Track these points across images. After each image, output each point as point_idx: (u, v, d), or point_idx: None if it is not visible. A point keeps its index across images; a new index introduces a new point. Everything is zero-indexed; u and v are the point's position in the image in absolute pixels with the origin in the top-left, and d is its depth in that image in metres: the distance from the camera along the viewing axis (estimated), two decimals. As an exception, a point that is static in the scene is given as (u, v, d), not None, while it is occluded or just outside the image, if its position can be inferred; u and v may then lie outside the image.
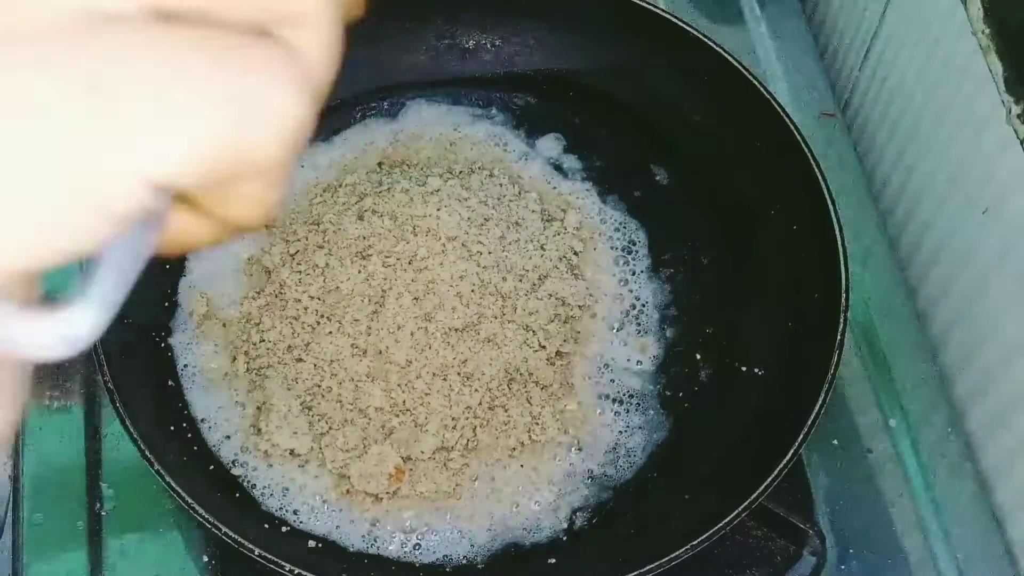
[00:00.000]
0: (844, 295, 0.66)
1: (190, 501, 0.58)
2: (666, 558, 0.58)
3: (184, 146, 0.20)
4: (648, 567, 0.58)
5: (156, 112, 0.20)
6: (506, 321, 0.69)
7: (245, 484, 0.65)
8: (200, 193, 0.23)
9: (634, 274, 0.74)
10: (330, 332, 0.67)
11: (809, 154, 0.71)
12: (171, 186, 0.21)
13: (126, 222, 0.21)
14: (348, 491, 0.64)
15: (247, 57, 0.21)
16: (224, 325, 0.70)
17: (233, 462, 0.65)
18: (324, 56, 0.23)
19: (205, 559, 0.66)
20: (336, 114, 0.80)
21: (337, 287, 0.68)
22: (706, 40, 0.76)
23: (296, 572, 0.57)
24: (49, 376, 0.72)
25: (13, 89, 0.19)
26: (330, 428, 0.66)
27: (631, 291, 0.74)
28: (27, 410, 0.25)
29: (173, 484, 0.59)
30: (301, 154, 0.23)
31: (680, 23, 0.77)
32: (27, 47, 0.19)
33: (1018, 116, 0.66)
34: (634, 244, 0.76)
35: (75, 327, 0.22)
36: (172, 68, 0.20)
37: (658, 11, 0.78)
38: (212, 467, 0.65)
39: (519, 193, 0.75)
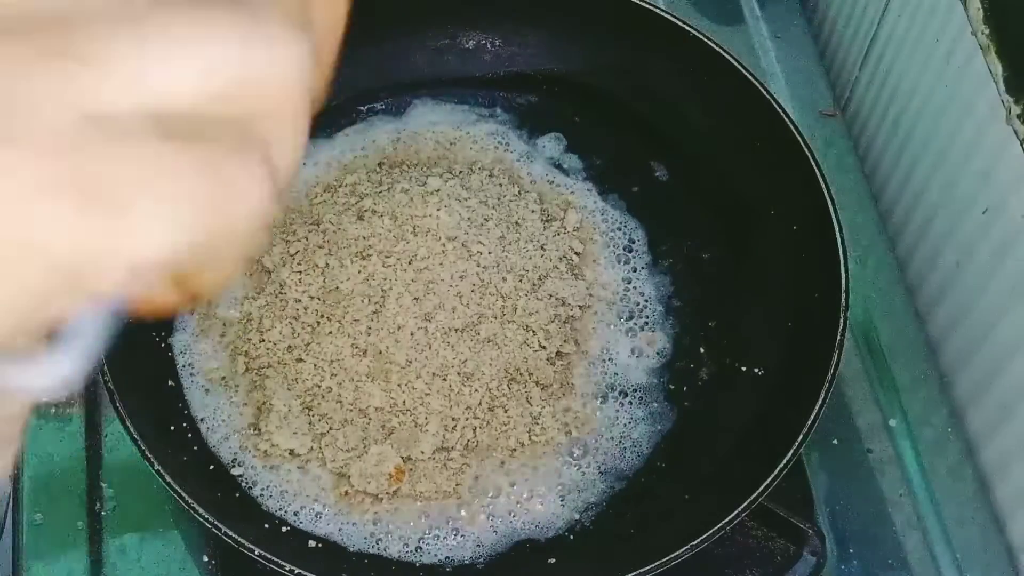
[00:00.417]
0: (844, 295, 0.66)
1: (190, 501, 0.58)
2: (666, 558, 0.58)
3: (164, 236, 0.22)
4: (648, 567, 0.58)
5: (138, 207, 0.22)
6: (506, 321, 0.69)
7: (245, 484, 0.65)
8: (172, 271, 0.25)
9: (635, 272, 0.74)
10: (330, 332, 0.67)
11: (809, 154, 0.71)
12: (148, 268, 0.23)
13: (105, 297, 0.23)
14: (348, 491, 0.64)
15: (225, 159, 0.23)
16: (224, 325, 0.70)
17: (233, 462, 0.65)
18: (294, 146, 0.25)
19: (205, 559, 0.66)
20: (337, 114, 0.80)
21: (337, 287, 0.68)
22: (706, 40, 0.76)
23: (296, 572, 0.57)
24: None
25: (23, 182, 0.21)
26: (330, 428, 0.66)
27: (631, 291, 0.74)
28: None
29: (173, 484, 0.59)
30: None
31: (680, 23, 0.77)
32: (25, 147, 0.21)
33: (1018, 116, 0.66)
34: (634, 243, 0.76)
35: (55, 374, 0.24)
36: (158, 169, 0.22)
37: (658, 11, 0.78)
38: (212, 467, 0.65)
39: (519, 193, 0.75)
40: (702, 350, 0.72)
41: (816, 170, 0.71)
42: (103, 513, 0.67)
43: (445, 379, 0.66)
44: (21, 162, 0.21)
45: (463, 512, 0.65)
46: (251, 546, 0.58)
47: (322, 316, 0.68)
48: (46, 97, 0.22)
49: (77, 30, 0.22)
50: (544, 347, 0.69)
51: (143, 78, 0.22)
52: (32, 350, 0.23)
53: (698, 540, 0.59)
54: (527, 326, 0.69)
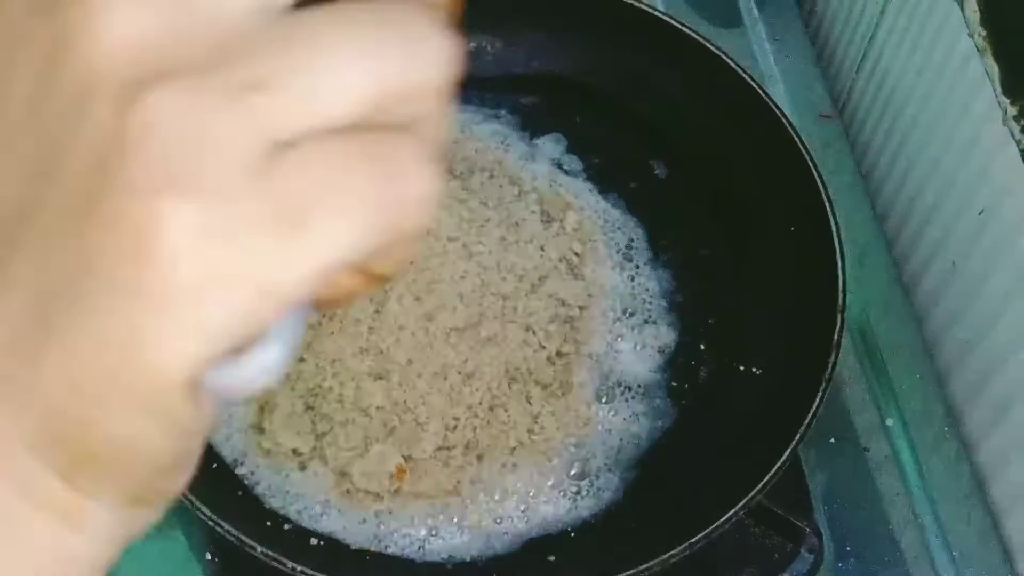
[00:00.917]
0: (841, 295, 0.66)
1: (192, 499, 0.59)
2: (664, 556, 0.58)
3: (352, 239, 0.24)
4: (647, 565, 0.58)
5: (328, 219, 0.23)
6: (507, 321, 0.69)
7: (247, 482, 0.65)
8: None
9: (635, 272, 0.75)
10: (332, 332, 0.67)
11: (807, 156, 0.72)
12: (339, 269, 0.24)
13: (302, 302, 0.24)
14: (350, 489, 0.65)
15: (391, 152, 0.24)
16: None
17: (235, 460, 0.66)
18: (445, 123, 0.27)
19: (208, 557, 0.66)
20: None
21: (338, 287, 0.68)
22: (704, 43, 0.77)
23: (298, 570, 0.57)
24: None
25: (227, 221, 0.23)
26: (331, 427, 0.66)
27: (631, 291, 0.74)
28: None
29: (176, 482, 0.59)
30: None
31: (678, 26, 0.77)
32: (227, 188, 0.23)
33: (1015, 117, 0.67)
34: (634, 243, 0.76)
35: (268, 366, 0.26)
36: (339, 178, 0.23)
37: (657, 14, 0.79)
38: (215, 465, 0.65)
39: (520, 194, 0.76)
40: (701, 347, 0.72)
41: (814, 171, 0.71)
42: (106, 512, 0.68)
43: (446, 379, 0.67)
44: (224, 204, 0.22)
45: (464, 510, 0.65)
46: (253, 544, 0.58)
47: (323, 316, 0.68)
48: (232, 134, 0.22)
49: (240, 59, 0.23)
50: (544, 347, 0.69)
51: (315, 97, 0.23)
52: (240, 352, 0.25)
53: (696, 538, 0.59)
54: (527, 326, 0.69)
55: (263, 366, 0.26)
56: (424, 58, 0.25)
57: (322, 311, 0.27)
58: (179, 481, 0.28)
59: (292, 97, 0.23)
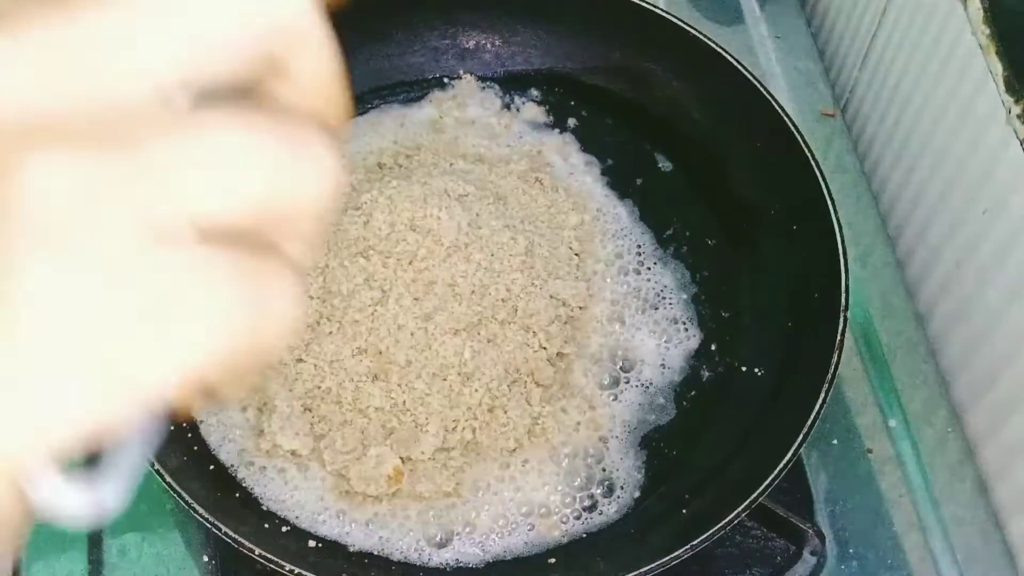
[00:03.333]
0: (844, 295, 0.66)
1: (190, 501, 0.58)
2: (666, 558, 0.58)
3: (206, 351, 0.24)
4: (648, 567, 0.58)
5: (189, 322, 0.23)
6: (506, 322, 0.69)
7: (245, 484, 0.65)
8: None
9: (635, 272, 0.74)
10: (330, 332, 0.67)
11: (809, 154, 0.71)
12: (193, 373, 0.24)
13: (151, 408, 0.24)
14: (348, 492, 0.64)
15: (265, 275, 0.25)
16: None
17: (234, 462, 0.65)
18: (317, 242, 0.27)
19: (205, 559, 0.66)
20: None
21: (337, 287, 0.68)
22: (706, 40, 0.76)
23: (296, 572, 0.57)
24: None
25: (73, 294, 0.22)
26: (330, 429, 0.66)
27: (632, 292, 0.74)
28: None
29: (173, 484, 0.59)
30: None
31: (680, 23, 0.77)
32: (101, 266, 0.23)
33: (1017, 116, 0.66)
34: (634, 244, 0.76)
35: (104, 498, 0.25)
36: (208, 276, 0.23)
37: (658, 11, 0.78)
38: (212, 467, 0.65)
39: (520, 193, 0.75)
40: (703, 349, 0.72)
41: (816, 170, 0.71)
42: (103, 513, 0.67)
43: (445, 379, 0.66)
44: (97, 282, 0.22)
45: (463, 512, 0.65)
46: (251, 546, 0.58)
47: (322, 316, 0.68)
48: (112, 212, 0.22)
49: (133, 144, 0.23)
50: (544, 348, 0.69)
51: (199, 193, 0.23)
52: (76, 475, 0.24)
53: (698, 540, 0.59)
54: (527, 327, 0.69)
55: (105, 493, 0.25)
56: (309, 176, 0.25)
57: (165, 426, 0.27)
58: None
59: (176, 190, 0.23)
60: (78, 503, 0.24)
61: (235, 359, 0.24)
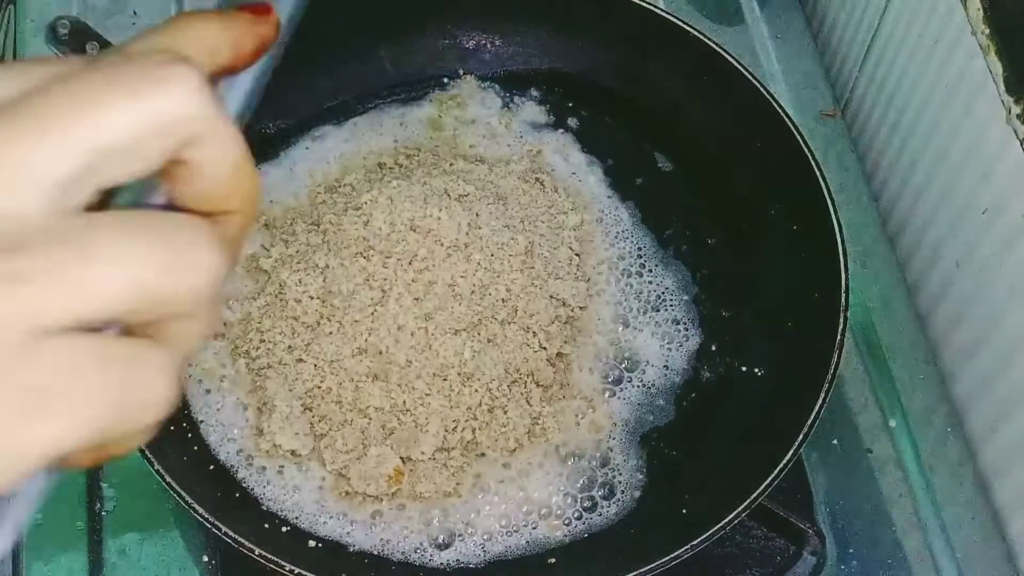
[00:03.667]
0: (844, 295, 0.66)
1: (190, 501, 0.58)
2: (666, 558, 0.58)
3: (82, 433, 0.26)
4: (648, 567, 0.58)
5: (65, 409, 0.25)
6: (507, 322, 0.69)
7: (245, 484, 0.65)
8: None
9: (636, 273, 0.74)
10: (330, 332, 0.67)
11: (809, 154, 0.71)
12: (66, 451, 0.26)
13: (23, 480, 0.26)
14: (348, 492, 0.64)
15: (136, 364, 0.27)
16: (224, 325, 0.70)
17: (234, 462, 0.65)
18: (198, 336, 0.29)
19: (205, 559, 0.66)
20: (337, 114, 0.80)
21: (337, 287, 0.68)
22: (706, 40, 0.76)
23: (296, 572, 0.57)
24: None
25: None
26: (330, 429, 0.65)
27: (631, 292, 0.74)
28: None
29: (173, 484, 0.59)
30: None
31: (680, 23, 0.77)
32: None
33: (1018, 116, 0.66)
34: (635, 244, 0.76)
35: None
36: (83, 377, 0.26)
37: (658, 11, 0.78)
38: (212, 467, 0.65)
39: (520, 193, 0.75)
40: (703, 349, 0.72)
41: (816, 170, 0.71)
42: (103, 513, 0.67)
43: (445, 380, 0.66)
44: None
45: (463, 512, 0.65)
46: (251, 546, 0.58)
47: (322, 316, 0.68)
48: None
49: (11, 251, 0.25)
50: (544, 348, 0.69)
51: (73, 293, 0.25)
52: None
53: (698, 540, 0.59)
54: (527, 327, 0.69)
55: None
56: (185, 269, 0.27)
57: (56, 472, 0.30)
58: None
59: (51, 291, 0.25)
60: None
61: (105, 435, 0.26)
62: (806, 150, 0.71)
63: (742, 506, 0.59)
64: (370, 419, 0.65)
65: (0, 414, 0.25)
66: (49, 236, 0.25)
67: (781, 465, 0.60)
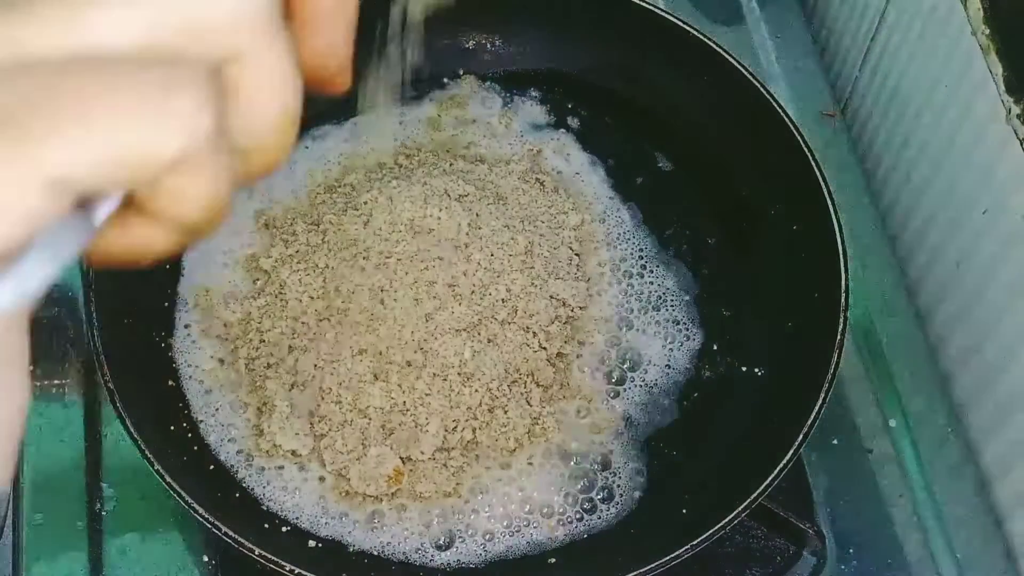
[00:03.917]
0: (844, 295, 0.66)
1: (190, 501, 0.58)
2: (666, 558, 0.58)
3: (73, 152, 0.23)
4: (648, 567, 0.58)
5: (47, 127, 0.23)
6: (507, 322, 0.69)
7: (245, 484, 0.65)
8: (140, 195, 0.26)
9: (636, 273, 0.74)
10: (330, 332, 0.67)
11: (809, 154, 0.71)
12: (79, 188, 0.24)
13: (38, 223, 0.23)
14: (348, 491, 0.64)
15: (140, 75, 0.24)
16: (224, 325, 0.70)
17: (234, 462, 0.65)
18: (266, 86, 0.26)
19: (205, 559, 0.66)
20: (335, 115, 0.79)
21: (337, 287, 0.68)
22: (706, 40, 0.76)
23: (296, 572, 0.57)
24: (49, 375, 0.72)
25: None
26: (330, 429, 0.65)
27: (631, 292, 0.74)
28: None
29: (173, 484, 0.59)
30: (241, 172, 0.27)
31: (680, 23, 0.77)
32: None
33: (1018, 116, 0.66)
34: (635, 245, 0.76)
35: (16, 284, 0.24)
36: (70, 85, 0.23)
37: (658, 11, 0.78)
38: (212, 467, 0.65)
39: (520, 193, 0.75)
40: (703, 349, 0.72)
41: (816, 170, 0.71)
42: (103, 513, 0.67)
43: (445, 380, 0.66)
44: None
45: (463, 512, 0.65)
46: (251, 546, 0.58)
47: (322, 316, 0.68)
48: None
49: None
50: (545, 348, 0.69)
51: (76, 23, 0.23)
52: None
53: (698, 540, 0.59)
54: (528, 327, 0.69)
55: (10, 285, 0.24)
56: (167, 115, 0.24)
57: (119, 263, 0.27)
58: None
59: (53, 18, 0.23)
60: None
61: (125, 164, 0.24)
62: (806, 150, 0.71)
63: (742, 506, 0.59)
64: (370, 419, 0.65)
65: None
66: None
67: (781, 465, 0.60)
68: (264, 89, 0.26)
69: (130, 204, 0.26)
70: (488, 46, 0.83)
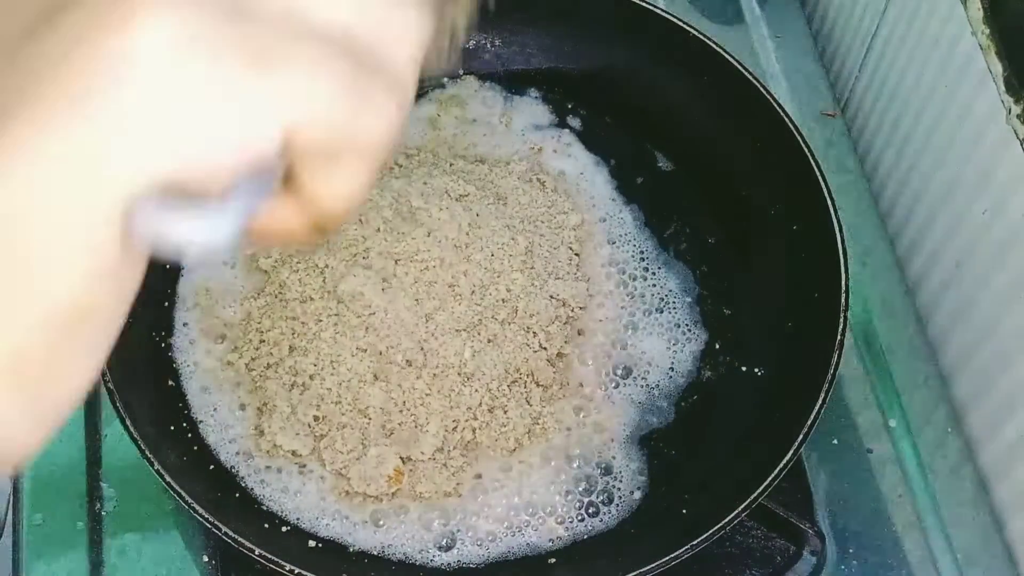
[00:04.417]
0: (844, 295, 0.66)
1: (190, 501, 0.58)
2: (666, 558, 0.58)
3: (312, 102, 0.26)
4: (648, 567, 0.58)
5: (299, 68, 0.25)
6: (507, 322, 0.69)
7: (245, 484, 0.65)
8: (309, 169, 0.28)
9: (636, 273, 0.74)
10: (330, 332, 0.67)
11: (809, 154, 0.71)
12: (298, 140, 0.26)
13: (256, 163, 0.26)
14: (348, 492, 0.64)
15: (367, 60, 0.27)
16: (224, 325, 0.70)
17: (234, 462, 0.65)
18: (400, 110, 0.28)
19: (205, 559, 0.66)
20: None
21: (337, 287, 0.68)
22: (706, 40, 0.76)
23: (296, 572, 0.57)
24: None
25: (206, 41, 0.24)
26: (329, 429, 0.65)
27: (631, 292, 0.74)
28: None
29: (173, 484, 0.59)
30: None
31: (680, 23, 0.77)
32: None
33: (1018, 116, 0.66)
34: (635, 245, 0.76)
35: (213, 229, 0.27)
36: (304, 47, 0.26)
37: (658, 11, 0.78)
38: (212, 467, 0.65)
39: (520, 193, 0.75)
40: (703, 349, 0.72)
41: (816, 170, 0.71)
42: (103, 513, 0.67)
43: (445, 379, 0.66)
44: (205, 23, 0.24)
45: (463, 512, 0.65)
46: (251, 546, 0.58)
47: (322, 316, 0.68)
48: None
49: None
50: (545, 348, 0.69)
51: None
52: (187, 206, 0.26)
53: (698, 540, 0.59)
54: (528, 327, 0.69)
55: (207, 228, 0.26)
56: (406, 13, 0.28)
57: (259, 245, 0.29)
58: (90, 359, 0.27)
59: None
60: (188, 232, 0.26)
61: (334, 129, 0.26)
62: (806, 150, 0.71)
63: (742, 506, 0.59)
64: (370, 419, 0.65)
65: (233, 67, 0.24)
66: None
67: (781, 465, 0.60)
68: (400, 109, 0.28)
69: (286, 187, 0.28)
70: (488, 46, 0.83)
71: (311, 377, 0.66)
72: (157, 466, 0.59)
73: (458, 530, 0.64)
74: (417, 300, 0.67)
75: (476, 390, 0.66)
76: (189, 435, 0.66)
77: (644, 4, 0.78)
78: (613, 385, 0.70)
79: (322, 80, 0.26)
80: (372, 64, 0.27)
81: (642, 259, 0.75)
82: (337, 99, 0.26)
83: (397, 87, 0.28)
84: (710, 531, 0.59)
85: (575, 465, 0.67)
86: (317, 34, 0.26)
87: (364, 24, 0.27)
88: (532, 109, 0.82)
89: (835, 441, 0.73)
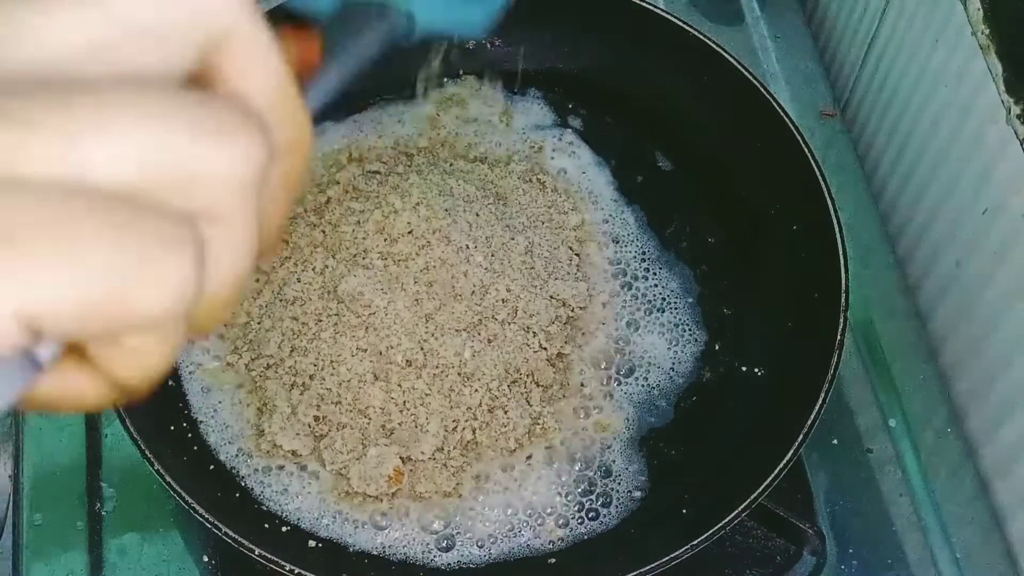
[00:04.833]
0: (844, 295, 0.66)
1: (190, 501, 0.58)
2: (666, 558, 0.58)
3: (56, 289, 0.22)
4: (648, 567, 0.58)
5: (31, 255, 0.21)
6: (507, 322, 0.68)
7: (245, 484, 0.65)
8: (89, 345, 0.25)
9: (636, 273, 0.74)
10: (330, 332, 0.67)
11: (809, 154, 0.71)
12: (45, 328, 0.22)
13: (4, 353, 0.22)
14: (348, 492, 0.64)
15: (138, 223, 0.23)
16: (224, 325, 0.70)
17: (234, 462, 0.65)
18: (232, 254, 0.25)
19: (205, 559, 0.66)
20: (335, 116, 0.79)
21: (337, 287, 0.68)
22: (706, 40, 0.76)
23: (296, 572, 0.57)
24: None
25: None
26: (330, 430, 0.65)
27: (631, 292, 0.74)
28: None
29: (173, 484, 0.59)
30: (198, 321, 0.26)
31: (680, 23, 0.77)
32: None
33: (1017, 116, 0.66)
34: (635, 245, 0.76)
35: None
36: (56, 221, 0.22)
37: (658, 11, 0.78)
38: (212, 467, 0.65)
39: (520, 193, 0.75)
40: (703, 349, 0.72)
41: (816, 170, 0.71)
42: (103, 513, 0.67)
43: (445, 379, 0.66)
44: None
45: (463, 512, 0.65)
46: (251, 546, 0.58)
47: (322, 316, 0.68)
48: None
49: (21, 95, 0.22)
50: (545, 348, 0.69)
51: (73, 148, 0.22)
52: None
53: (698, 540, 0.59)
54: (528, 327, 0.69)
55: None
56: (215, 152, 0.23)
57: (52, 410, 0.25)
58: None
59: (50, 140, 0.22)
60: None
61: (97, 312, 0.22)
62: (806, 150, 0.71)
63: (742, 506, 0.59)
64: (370, 419, 0.65)
65: None
66: (65, 89, 0.22)
67: (781, 465, 0.60)
68: (232, 253, 0.25)
69: (71, 352, 0.25)
70: (488, 46, 0.83)
71: (311, 377, 0.66)
72: (157, 466, 0.59)
73: (458, 530, 0.64)
74: (417, 300, 0.67)
75: (476, 390, 0.66)
76: (189, 435, 0.66)
77: (644, 4, 0.78)
78: (613, 385, 0.70)
79: (74, 257, 0.22)
80: (163, 216, 0.23)
81: (643, 259, 0.75)
82: (94, 279, 0.22)
83: (188, 241, 0.23)
84: (710, 531, 0.59)
85: (575, 465, 0.67)
86: (92, 194, 0.22)
87: (162, 166, 0.23)
88: (532, 109, 0.82)
89: (835, 441, 0.73)
